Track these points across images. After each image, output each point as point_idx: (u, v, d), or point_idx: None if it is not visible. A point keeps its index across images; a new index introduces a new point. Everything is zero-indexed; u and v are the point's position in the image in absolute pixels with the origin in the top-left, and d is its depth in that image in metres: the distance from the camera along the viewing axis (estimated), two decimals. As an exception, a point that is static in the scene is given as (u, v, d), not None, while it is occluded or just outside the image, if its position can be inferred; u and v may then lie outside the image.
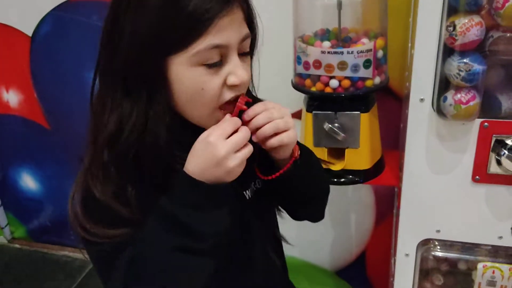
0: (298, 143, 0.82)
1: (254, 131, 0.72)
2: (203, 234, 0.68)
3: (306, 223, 0.99)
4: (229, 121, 0.69)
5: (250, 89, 0.84)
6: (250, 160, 0.72)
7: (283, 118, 0.74)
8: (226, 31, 0.68)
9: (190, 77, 0.69)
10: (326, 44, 1.11)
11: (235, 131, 0.69)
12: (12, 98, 2.00)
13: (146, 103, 0.70)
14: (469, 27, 0.92)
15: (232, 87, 0.71)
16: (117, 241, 0.71)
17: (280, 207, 0.96)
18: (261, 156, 0.79)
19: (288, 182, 0.81)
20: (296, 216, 0.97)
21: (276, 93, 1.42)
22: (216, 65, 0.69)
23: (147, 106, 0.70)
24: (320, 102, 1.15)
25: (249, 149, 0.70)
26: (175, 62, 0.68)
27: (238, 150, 0.68)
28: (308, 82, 1.14)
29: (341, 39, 1.13)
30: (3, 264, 2.25)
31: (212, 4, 0.66)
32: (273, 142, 0.74)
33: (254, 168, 0.82)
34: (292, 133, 0.75)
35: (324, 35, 1.15)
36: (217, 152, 0.66)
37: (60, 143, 2.00)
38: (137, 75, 0.69)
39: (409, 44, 1.20)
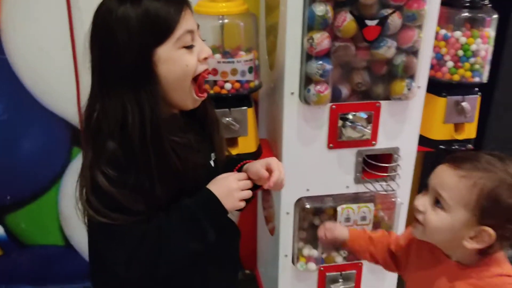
0: None
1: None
2: (211, 239, 0.98)
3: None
4: (241, 174, 1.05)
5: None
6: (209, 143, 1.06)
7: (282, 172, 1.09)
8: (190, 20, 0.97)
9: (178, 57, 0.95)
10: (218, 56, 1.42)
11: None
12: None
13: (142, 92, 0.92)
14: (322, 40, 1.36)
15: (203, 61, 1.00)
16: (128, 223, 0.92)
17: None
18: None
19: None
20: None
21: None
22: (190, 47, 0.97)
23: (143, 95, 0.92)
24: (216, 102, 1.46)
25: (249, 193, 1.04)
26: (163, 50, 0.93)
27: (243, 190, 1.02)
28: (207, 86, 1.44)
29: (223, 52, 1.46)
30: None
31: (177, 2, 0.95)
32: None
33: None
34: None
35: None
36: (231, 185, 1.00)
37: None
38: (133, 69, 0.92)
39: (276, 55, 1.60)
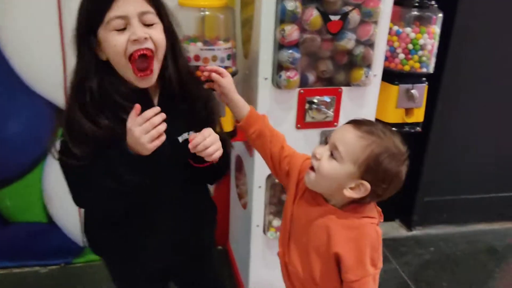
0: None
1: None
2: (126, 181, 1.10)
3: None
4: (141, 117, 1.04)
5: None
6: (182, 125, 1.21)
7: (213, 145, 1.15)
8: (123, 7, 1.12)
9: (109, 38, 1.13)
10: (199, 44, 1.59)
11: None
12: None
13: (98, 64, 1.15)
14: (292, 31, 1.56)
15: (134, 42, 1.12)
16: (76, 166, 1.12)
17: None
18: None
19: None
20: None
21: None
22: (123, 30, 1.12)
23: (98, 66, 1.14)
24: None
25: (158, 129, 1.04)
26: (100, 32, 1.13)
27: (148, 132, 1.04)
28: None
29: (203, 41, 1.63)
30: None
31: None
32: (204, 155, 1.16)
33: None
34: (216, 155, 1.17)
35: (190, 39, 1.63)
36: (135, 135, 1.06)
37: None
38: (87, 45, 1.14)
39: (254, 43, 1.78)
